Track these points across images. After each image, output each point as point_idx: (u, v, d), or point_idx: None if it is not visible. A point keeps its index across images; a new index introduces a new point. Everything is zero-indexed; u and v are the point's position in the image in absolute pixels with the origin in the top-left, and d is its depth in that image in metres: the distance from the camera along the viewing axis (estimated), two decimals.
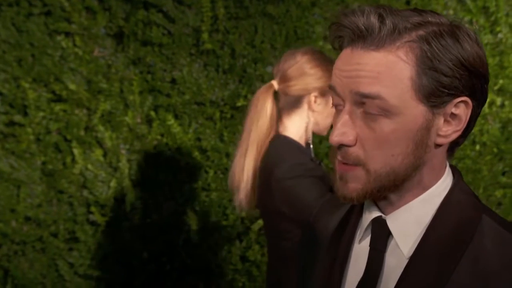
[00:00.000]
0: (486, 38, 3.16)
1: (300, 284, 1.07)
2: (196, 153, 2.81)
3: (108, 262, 2.77)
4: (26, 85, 2.58)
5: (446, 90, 0.82)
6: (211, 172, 2.84)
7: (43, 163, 2.65)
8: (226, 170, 2.87)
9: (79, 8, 2.62)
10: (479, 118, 3.14)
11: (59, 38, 2.62)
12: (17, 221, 2.65)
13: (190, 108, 2.79)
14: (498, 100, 3.18)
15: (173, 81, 2.78)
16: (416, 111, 0.82)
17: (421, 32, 0.82)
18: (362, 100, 0.83)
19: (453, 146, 0.90)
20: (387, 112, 0.82)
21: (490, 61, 3.15)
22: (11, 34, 2.57)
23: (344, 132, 0.84)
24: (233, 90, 2.83)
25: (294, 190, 1.69)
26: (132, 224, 2.77)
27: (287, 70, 1.83)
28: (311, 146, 1.86)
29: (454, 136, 0.86)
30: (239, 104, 2.82)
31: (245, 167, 1.83)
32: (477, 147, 3.18)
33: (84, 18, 2.64)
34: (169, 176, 2.81)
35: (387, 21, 0.82)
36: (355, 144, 0.84)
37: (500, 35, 3.17)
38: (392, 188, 0.86)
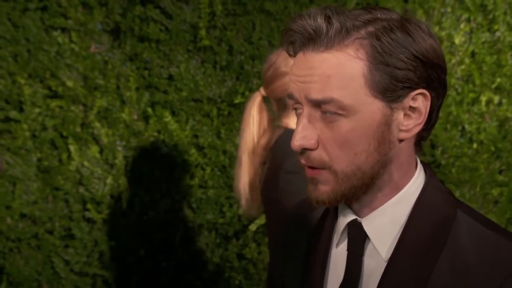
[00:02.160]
0: (484, 36, 3.16)
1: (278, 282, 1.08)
2: (193, 150, 2.80)
3: (104, 259, 2.75)
4: (22, 81, 2.56)
5: (401, 84, 0.82)
6: (208, 169, 2.83)
7: (39, 159, 2.64)
8: (223, 168, 2.86)
9: (76, 4, 2.60)
10: (476, 116, 3.15)
11: (55, 33, 2.60)
12: (12, 218, 2.63)
13: (187, 105, 2.78)
14: (496, 98, 3.18)
15: (170, 77, 2.77)
16: (373, 107, 0.82)
17: (370, 29, 0.82)
18: (316, 105, 0.83)
19: (419, 140, 0.89)
20: (343, 111, 0.82)
21: (488, 59, 3.15)
22: (6, 29, 2.54)
23: (305, 136, 0.84)
24: (230, 87, 2.82)
25: (297, 184, 1.69)
26: (129, 221, 2.76)
27: (266, 74, 1.87)
28: None
29: (416, 129, 0.85)
30: (236, 101, 2.81)
31: (241, 178, 1.88)
32: (474, 145, 3.18)
33: (80, 14, 2.62)
34: (166, 173, 2.79)
35: (333, 21, 0.82)
36: (317, 147, 0.84)
37: (497, 33, 3.17)
38: (363, 188, 0.86)
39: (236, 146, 2.81)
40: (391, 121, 0.84)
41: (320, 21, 0.82)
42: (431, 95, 0.85)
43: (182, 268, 2.84)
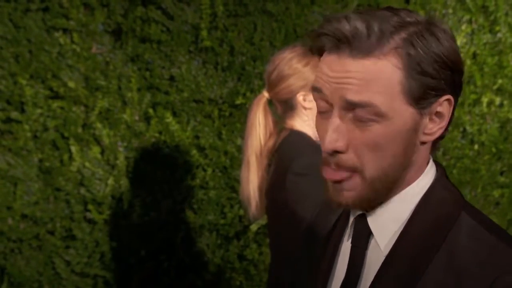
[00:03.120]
0: (485, 37, 3.16)
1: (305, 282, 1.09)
2: (194, 151, 2.80)
3: (105, 260, 2.75)
4: (23, 82, 2.56)
5: (433, 92, 0.83)
6: (209, 170, 2.83)
7: (40, 160, 2.64)
8: (224, 168, 2.86)
9: (77, 4, 2.61)
10: (477, 118, 3.15)
11: (56, 34, 2.60)
12: (13, 219, 2.63)
13: (189, 106, 2.78)
14: (497, 100, 3.18)
15: (172, 78, 2.77)
16: (406, 114, 0.83)
17: (403, 35, 0.82)
18: (351, 107, 0.83)
19: (437, 140, 0.90)
20: (378, 117, 0.82)
21: (489, 60, 3.15)
22: (8, 30, 2.55)
23: (337, 138, 0.84)
24: (231, 88, 2.82)
25: (306, 187, 1.68)
26: (130, 222, 2.76)
27: (270, 77, 1.85)
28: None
29: (439, 133, 0.87)
30: (237, 102, 2.81)
31: (250, 180, 1.86)
32: (476, 146, 3.18)
33: (82, 15, 2.63)
34: (167, 174, 2.79)
35: (374, 27, 0.81)
36: (347, 150, 0.84)
37: (499, 35, 3.17)
38: (384, 192, 0.86)
39: (238, 147, 2.81)
40: (419, 126, 0.85)
41: (360, 26, 0.81)
42: (454, 100, 0.86)
43: (183, 269, 2.84)
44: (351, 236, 0.93)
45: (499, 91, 3.19)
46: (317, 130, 0.89)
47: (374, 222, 0.89)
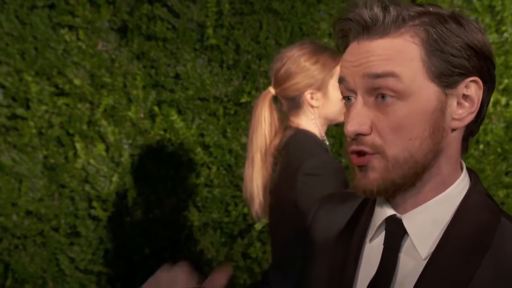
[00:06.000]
0: (492, 37, 3.15)
1: (300, 282, 1.06)
2: (199, 149, 2.80)
3: (109, 257, 2.75)
4: (29, 78, 2.57)
5: (457, 70, 0.83)
6: (214, 168, 2.83)
7: (45, 157, 2.64)
8: (228, 167, 2.86)
9: (83, 2, 2.61)
10: None
11: (62, 31, 2.60)
12: (18, 215, 2.64)
13: (194, 104, 2.78)
14: (503, 100, 3.17)
15: (177, 76, 2.77)
16: (429, 91, 0.83)
17: (424, 19, 0.84)
18: (374, 84, 0.83)
19: (468, 134, 0.90)
20: (400, 93, 0.82)
21: (496, 60, 3.14)
22: (14, 26, 2.55)
23: (359, 121, 0.84)
24: (237, 86, 2.82)
25: (318, 187, 1.67)
26: (134, 220, 2.76)
27: (278, 74, 1.84)
28: (326, 141, 1.85)
29: (469, 119, 0.86)
30: (242, 100, 2.81)
31: (254, 177, 1.84)
32: (481, 146, 3.17)
33: (88, 12, 2.63)
34: (172, 171, 2.79)
35: (390, 10, 0.84)
36: (370, 133, 0.84)
37: (505, 35, 3.16)
38: (413, 178, 0.85)
39: (242, 145, 2.81)
40: (445, 108, 0.84)
41: (377, 10, 0.84)
42: (483, 85, 0.86)
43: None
44: (376, 238, 0.91)
45: (505, 91, 3.18)
46: (344, 121, 0.89)
47: (410, 223, 0.87)
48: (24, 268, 2.65)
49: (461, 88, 0.84)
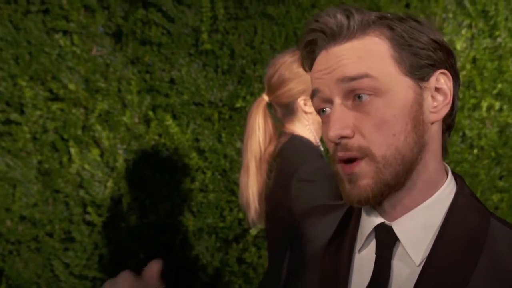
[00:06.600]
0: (485, 42, 3.16)
1: None
2: (193, 154, 2.80)
3: (104, 262, 2.75)
4: (23, 83, 2.56)
5: (426, 61, 0.86)
6: (209, 173, 2.83)
7: (39, 162, 2.63)
8: (223, 172, 2.85)
9: (78, 6, 2.60)
10: (477, 122, 3.15)
11: (57, 36, 2.60)
12: (12, 221, 2.62)
13: (188, 109, 2.78)
14: (497, 104, 3.18)
15: (172, 81, 2.77)
16: (404, 85, 0.85)
17: (387, 20, 0.87)
18: (350, 86, 0.84)
19: (446, 129, 0.92)
20: (377, 90, 0.84)
21: (489, 65, 3.15)
22: (8, 31, 2.54)
23: (341, 125, 0.84)
24: (232, 91, 2.82)
25: (313, 193, 1.67)
26: (129, 225, 2.75)
27: (271, 81, 1.84)
28: (321, 147, 1.85)
29: (445, 110, 0.88)
30: (237, 105, 2.81)
31: (249, 184, 1.84)
32: (475, 151, 3.18)
33: (82, 17, 2.62)
34: (166, 176, 2.79)
35: (355, 15, 0.86)
36: (354, 136, 0.85)
37: (499, 39, 3.17)
38: (403, 176, 0.85)
39: (237, 150, 2.81)
40: (422, 101, 0.86)
41: (341, 17, 0.86)
42: (452, 77, 0.88)
43: (182, 272, 2.84)
44: (365, 247, 0.91)
45: (499, 95, 3.19)
46: (323, 134, 0.89)
47: (401, 230, 0.87)
48: (18, 274, 2.64)
49: (433, 82, 0.87)
